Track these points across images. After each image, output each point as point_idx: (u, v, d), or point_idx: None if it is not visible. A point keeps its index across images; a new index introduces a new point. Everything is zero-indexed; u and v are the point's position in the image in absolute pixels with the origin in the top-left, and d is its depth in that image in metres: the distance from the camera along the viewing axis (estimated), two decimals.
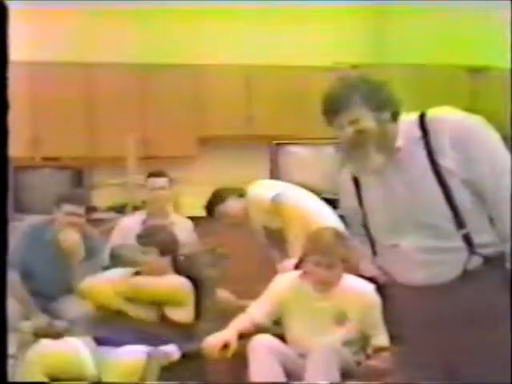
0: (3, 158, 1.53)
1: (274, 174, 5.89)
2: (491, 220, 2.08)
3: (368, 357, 3.07)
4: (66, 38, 5.88)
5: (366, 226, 2.26)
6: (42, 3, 5.59)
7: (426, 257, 2.07)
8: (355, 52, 6.15)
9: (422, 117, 2.08)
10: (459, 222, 2.04)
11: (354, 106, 2.06)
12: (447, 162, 2.02)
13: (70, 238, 3.69)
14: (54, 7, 5.71)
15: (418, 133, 2.06)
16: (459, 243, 2.05)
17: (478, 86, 6.10)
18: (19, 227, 3.85)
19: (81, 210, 3.77)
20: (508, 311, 2.05)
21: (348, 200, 2.27)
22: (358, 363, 3.03)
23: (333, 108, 2.12)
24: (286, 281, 3.24)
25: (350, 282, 3.13)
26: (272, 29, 6.24)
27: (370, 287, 3.07)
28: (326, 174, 5.95)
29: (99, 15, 5.89)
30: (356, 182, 2.21)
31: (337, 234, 3.12)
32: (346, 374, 2.94)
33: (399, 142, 2.07)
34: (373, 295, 3.04)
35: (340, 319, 3.07)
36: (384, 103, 2.08)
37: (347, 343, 3.05)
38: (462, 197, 2.04)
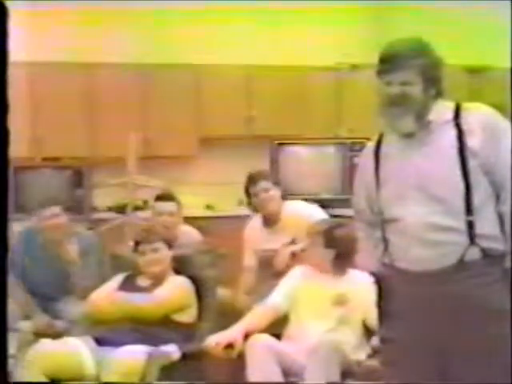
0: (3, 158, 1.53)
1: (274, 173, 5.89)
2: (500, 217, 2.10)
3: (368, 357, 3.08)
4: (65, 38, 5.88)
5: (373, 210, 2.28)
6: (42, 3, 5.59)
7: (427, 235, 2.09)
8: (355, 52, 6.15)
9: (457, 105, 2.17)
10: (468, 205, 2.07)
11: (412, 70, 2.12)
12: (474, 141, 2.08)
13: (56, 240, 3.71)
14: (54, 7, 5.71)
15: (450, 115, 2.14)
16: (462, 226, 2.07)
17: (478, 86, 6.10)
18: (18, 230, 3.86)
19: (59, 211, 3.74)
20: (505, 310, 2.06)
21: (365, 174, 2.32)
22: (359, 363, 3.04)
23: (391, 64, 2.15)
24: (298, 270, 3.34)
25: (355, 273, 3.20)
26: (272, 29, 6.25)
27: (371, 281, 3.13)
28: (325, 174, 5.96)
29: (99, 15, 5.89)
30: (377, 155, 2.26)
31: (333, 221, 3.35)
32: (346, 374, 2.95)
33: (431, 117, 2.14)
34: (370, 281, 3.11)
35: (340, 300, 3.13)
36: (436, 80, 2.17)
37: (344, 320, 3.09)
38: (478, 182, 2.08)
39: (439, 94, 2.19)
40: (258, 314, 3.22)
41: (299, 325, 3.19)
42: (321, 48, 6.30)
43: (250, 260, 3.87)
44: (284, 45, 6.21)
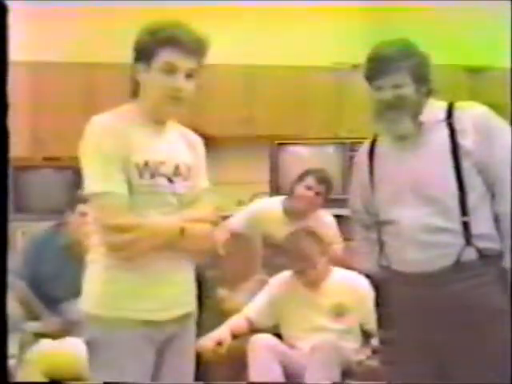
0: (3, 158, 1.54)
1: (274, 174, 5.88)
2: (495, 217, 2.10)
3: (368, 357, 3.08)
4: (65, 37, 5.87)
5: (369, 211, 2.28)
6: (42, 3, 5.59)
7: (423, 236, 2.09)
8: (355, 52, 6.14)
9: (449, 104, 2.16)
10: (463, 206, 2.07)
11: (402, 72, 2.11)
12: (467, 142, 2.08)
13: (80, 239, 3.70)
14: (54, 7, 5.71)
15: (443, 115, 2.13)
16: (457, 227, 2.07)
17: (478, 86, 6.09)
18: (25, 237, 3.83)
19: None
20: (502, 310, 2.06)
21: (360, 175, 2.32)
22: (359, 363, 3.04)
23: (381, 68, 2.14)
24: (279, 280, 3.28)
25: (342, 274, 3.19)
26: (272, 29, 6.24)
27: (362, 278, 3.12)
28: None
29: (99, 15, 5.89)
30: (371, 157, 2.27)
31: (307, 232, 3.27)
32: (346, 373, 2.95)
33: (423, 118, 2.13)
34: (366, 285, 3.10)
35: (339, 312, 3.11)
36: (426, 78, 2.16)
37: (345, 331, 3.08)
38: (473, 182, 2.07)
39: (430, 93, 2.18)
40: (236, 323, 3.20)
41: (295, 341, 3.16)
42: (321, 48, 6.30)
43: (238, 224, 3.82)
44: (284, 45, 6.20)
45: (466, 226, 2.07)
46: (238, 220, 3.86)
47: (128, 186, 1.92)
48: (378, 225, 2.25)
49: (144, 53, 2.04)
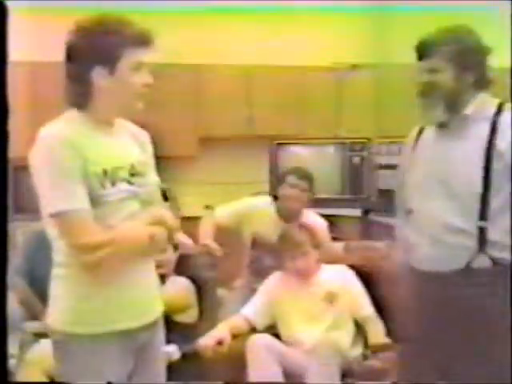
0: (3, 158, 1.54)
1: (274, 174, 5.89)
2: None
3: (368, 357, 3.09)
4: (66, 38, 5.87)
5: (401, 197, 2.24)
6: (42, 3, 5.59)
7: (437, 232, 2.05)
8: (355, 52, 6.15)
9: (499, 104, 2.10)
10: (484, 209, 2.00)
11: (438, 56, 2.04)
12: (503, 143, 1.99)
13: None
14: (54, 7, 5.71)
15: (490, 112, 2.05)
16: (473, 230, 2.01)
17: None
18: (24, 235, 3.82)
19: None
20: (509, 320, 2.03)
21: (404, 158, 2.28)
22: (359, 362, 3.05)
23: (421, 51, 2.09)
24: (274, 278, 3.31)
25: (329, 268, 3.25)
26: (272, 29, 6.24)
27: (347, 270, 3.25)
28: (325, 174, 5.96)
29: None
30: (416, 140, 2.21)
31: (300, 227, 3.35)
32: (346, 373, 2.95)
33: (469, 110, 2.05)
34: (351, 275, 3.18)
35: (330, 299, 3.14)
36: (472, 66, 2.09)
37: (338, 319, 3.10)
38: (499, 186, 2.00)
39: (481, 85, 2.10)
40: (235, 323, 3.21)
41: (293, 334, 3.18)
42: (320, 48, 6.30)
43: (222, 216, 3.80)
44: (284, 45, 6.21)
45: (482, 231, 2.01)
46: (225, 214, 3.83)
47: (90, 199, 1.84)
48: (406, 214, 2.20)
49: (106, 55, 1.95)
